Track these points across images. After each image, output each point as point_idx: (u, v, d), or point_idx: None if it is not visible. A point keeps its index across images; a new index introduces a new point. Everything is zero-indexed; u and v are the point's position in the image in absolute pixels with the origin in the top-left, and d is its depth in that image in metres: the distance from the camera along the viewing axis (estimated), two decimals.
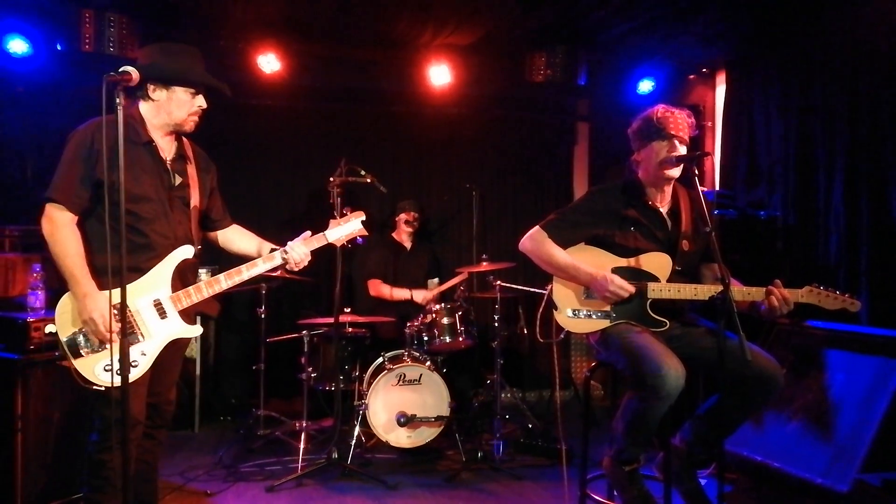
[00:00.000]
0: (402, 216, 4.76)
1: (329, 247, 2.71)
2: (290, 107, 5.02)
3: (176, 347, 2.52)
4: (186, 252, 2.45)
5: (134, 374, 2.25)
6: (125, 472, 2.10)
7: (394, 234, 4.84)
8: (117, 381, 2.16)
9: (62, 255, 2.29)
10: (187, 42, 2.57)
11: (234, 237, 2.78)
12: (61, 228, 2.30)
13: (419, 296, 4.56)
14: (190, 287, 2.43)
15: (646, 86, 4.97)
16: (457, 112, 5.27)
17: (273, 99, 4.93)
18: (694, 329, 2.73)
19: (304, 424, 3.91)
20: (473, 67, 4.84)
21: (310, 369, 4.00)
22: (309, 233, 2.65)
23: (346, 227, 2.74)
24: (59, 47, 4.18)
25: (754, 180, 4.51)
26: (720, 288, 2.38)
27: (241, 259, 2.64)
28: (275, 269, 2.60)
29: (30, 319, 2.92)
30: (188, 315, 2.46)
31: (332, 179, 3.70)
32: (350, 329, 4.07)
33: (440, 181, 5.38)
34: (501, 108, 5.39)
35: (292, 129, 5.06)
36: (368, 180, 3.84)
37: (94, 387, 2.28)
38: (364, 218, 2.77)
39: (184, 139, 2.57)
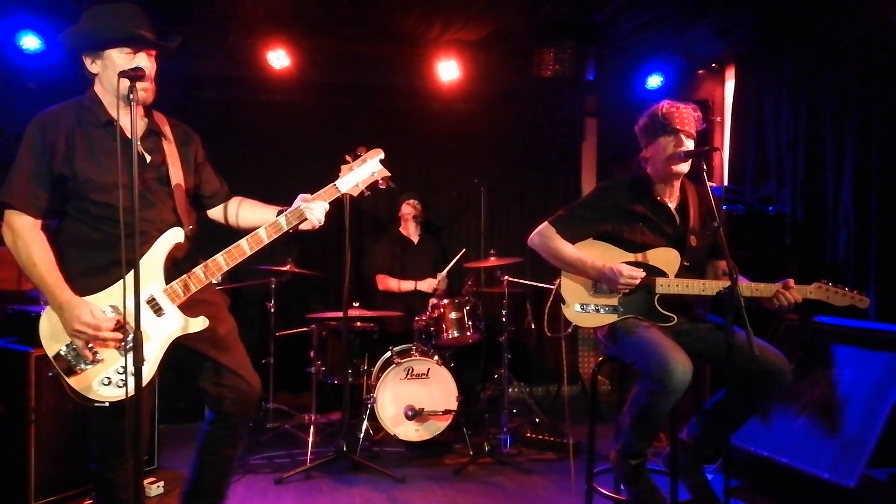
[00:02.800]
0: (404, 207, 4.79)
1: (344, 202, 2.33)
2: (299, 102, 5.04)
3: (219, 335, 2.25)
4: (175, 236, 2.18)
5: (121, 391, 2.07)
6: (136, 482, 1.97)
7: (400, 229, 4.86)
8: (119, 393, 2.05)
9: (29, 264, 2.05)
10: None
11: (239, 211, 2.45)
12: (22, 235, 2.06)
13: (424, 285, 4.57)
14: (186, 275, 2.16)
15: (654, 81, 4.96)
16: (465, 107, 5.27)
17: (282, 94, 4.94)
18: (701, 324, 2.74)
19: (313, 418, 3.94)
20: (482, 63, 4.84)
21: (318, 363, 4.03)
22: (308, 196, 2.30)
23: (362, 171, 2.32)
24: None
25: (763, 176, 4.50)
26: (728, 283, 2.39)
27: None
28: (286, 233, 2.26)
29: (42, 312, 2.96)
30: (191, 307, 2.19)
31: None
32: (359, 323, 4.09)
33: (448, 176, 5.39)
34: (510, 104, 5.39)
35: (301, 125, 5.08)
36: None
37: (96, 403, 2.07)
38: (383, 155, 2.37)
39: (154, 114, 2.29)
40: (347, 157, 2.41)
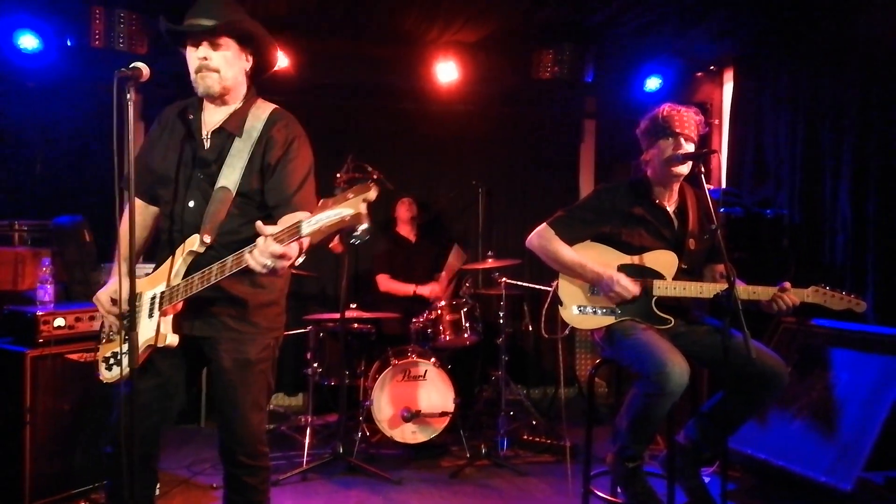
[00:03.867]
0: (399, 208, 4.80)
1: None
2: (297, 103, 4.98)
3: (223, 367, 2.07)
4: (190, 243, 2.02)
5: (114, 373, 2.07)
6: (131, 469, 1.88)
7: (398, 229, 4.86)
8: (106, 375, 2.10)
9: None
10: None
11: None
12: (123, 212, 2.07)
13: (426, 290, 4.56)
14: (176, 285, 2.02)
15: (653, 83, 4.96)
16: (464, 108, 5.27)
17: (280, 95, 4.86)
18: (699, 327, 2.73)
19: (310, 419, 3.93)
20: (481, 64, 4.84)
21: (315, 364, 4.02)
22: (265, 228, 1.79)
23: (333, 213, 1.68)
24: (69, 43, 4.20)
25: (761, 178, 4.50)
26: (725, 286, 2.39)
27: None
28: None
29: (39, 313, 2.95)
30: (208, 325, 2.06)
31: (338, 175, 3.72)
32: (356, 325, 4.09)
33: (447, 177, 5.39)
34: (508, 105, 5.40)
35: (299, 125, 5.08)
36: (375, 177, 3.86)
37: (100, 377, 2.13)
38: (373, 196, 1.68)
39: (252, 105, 2.16)
40: (337, 189, 2.14)
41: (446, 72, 4.75)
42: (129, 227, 1.90)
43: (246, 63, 2.17)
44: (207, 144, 2.10)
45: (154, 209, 2.23)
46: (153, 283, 2.07)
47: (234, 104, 2.15)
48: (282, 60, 4.53)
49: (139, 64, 2.00)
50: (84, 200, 4.24)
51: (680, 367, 2.39)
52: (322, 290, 5.00)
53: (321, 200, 1.76)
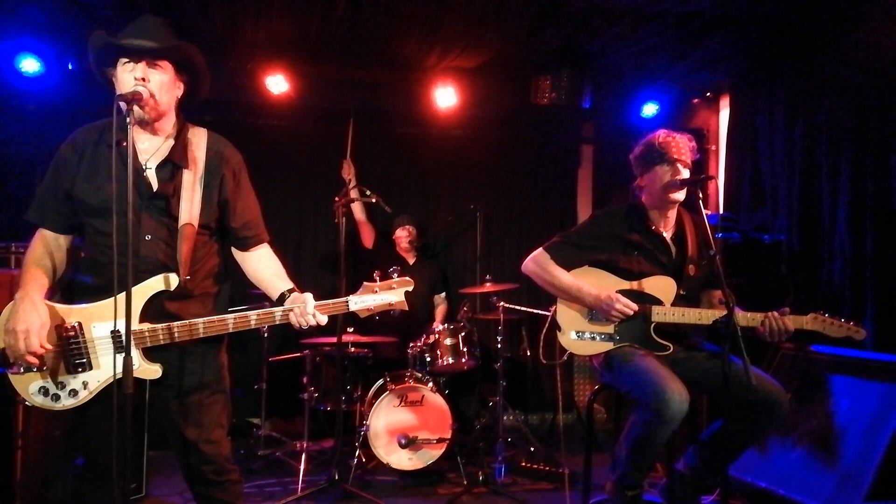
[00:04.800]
0: (398, 231, 4.80)
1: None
2: (297, 127, 5.06)
3: (183, 387, 2.08)
4: (158, 283, 2.00)
5: (69, 403, 2.00)
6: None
7: (396, 250, 4.86)
8: (51, 405, 2.00)
9: (24, 264, 2.05)
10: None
11: (252, 266, 2.23)
12: (34, 242, 2.10)
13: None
14: (160, 326, 2.00)
15: (650, 109, 5.01)
16: (462, 133, 5.30)
17: (280, 119, 4.97)
18: (698, 353, 2.72)
19: (305, 445, 3.89)
20: (479, 90, 4.88)
21: (311, 389, 3.99)
22: (310, 300, 2.06)
23: (381, 298, 2.14)
24: (70, 66, 4.24)
25: (758, 204, 4.51)
26: (724, 312, 2.38)
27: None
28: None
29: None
30: (162, 350, 2.04)
31: (337, 200, 3.73)
32: (353, 349, 4.06)
33: (445, 202, 5.40)
34: (506, 130, 5.43)
35: (299, 150, 5.10)
36: (374, 200, 3.86)
37: (27, 403, 2.02)
38: (411, 287, 2.16)
39: (192, 133, 2.14)
40: (376, 276, 2.26)
41: (445, 97, 4.78)
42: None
43: (178, 91, 2.15)
44: (153, 176, 2.07)
45: (67, 238, 2.14)
46: (101, 317, 2.01)
47: (164, 132, 2.11)
48: (282, 85, 4.58)
49: (139, 88, 2.01)
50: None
51: (679, 395, 2.37)
52: None
53: (364, 283, 2.14)
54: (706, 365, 2.64)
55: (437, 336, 4.06)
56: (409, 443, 3.78)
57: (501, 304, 4.10)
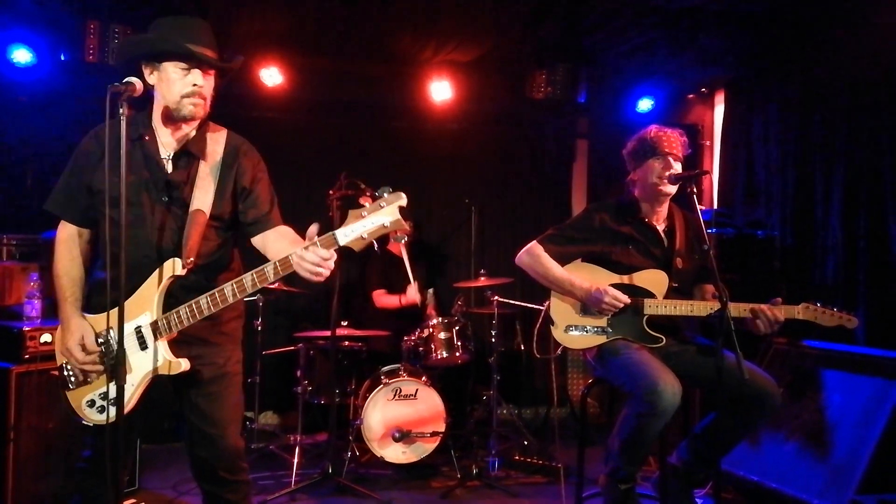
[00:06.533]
0: None
1: (333, 221, 1.95)
2: (291, 120, 5.04)
3: (204, 378, 2.09)
4: (170, 268, 2.00)
5: (110, 414, 1.96)
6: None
7: (389, 247, 4.85)
8: (99, 418, 2.03)
9: (55, 274, 2.11)
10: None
11: (273, 243, 2.14)
12: (59, 244, 2.14)
13: (412, 290, 4.49)
14: (172, 312, 2.00)
15: (645, 104, 5.01)
16: (457, 127, 5.29)
17: (274, 112, 4.95)
18: (691, 346, 2.73)
19: (299, 438, 3.89)
20: (475, 84, 4.87)
21: (305, 382, 3.99)
22: (315, 228, 1.88)
23: (371, 220, 1.80)
24: (62, 57, 4.21)
25: (752, 199, 4.53)
26: (716, 304, 2.39)
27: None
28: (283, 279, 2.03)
29: (25, 328, 2.93)
30: (185, 344, 2.06)
31: (331, 193, 3.72)
32: (347, 343, 4.06)
33: (439, 196, 5.39)
34: (501, 125, 5.42)
35: (293, 143, 5.08)
36: (368, 194, 3.85)
37: (83, 422, 2.08)
38: (404, 202, 1.81)
39: (211, 129, 2.18)
40: (362, 201, 2.13)
41: (440, 91, 4.77)
42: (109, 238, 1.87)
43: None
44: (170, 167, 2.10)
45: (87, 232, 2.18)
46: (131, 314, 2.00)
47: (190, 127, 2.14)
48: (276, 77, 4.56)
49: (133, 79, 2.00)
50: None
51: (672, 387, 2.39)
52: (312, 307, 4.97)
53: (350, 210, 1.84)
54: (699, 359, 2.66)
55: (430, 330, 4.06)
56: (403, 436, 3.78)
57: (496, 298, 4.11)
